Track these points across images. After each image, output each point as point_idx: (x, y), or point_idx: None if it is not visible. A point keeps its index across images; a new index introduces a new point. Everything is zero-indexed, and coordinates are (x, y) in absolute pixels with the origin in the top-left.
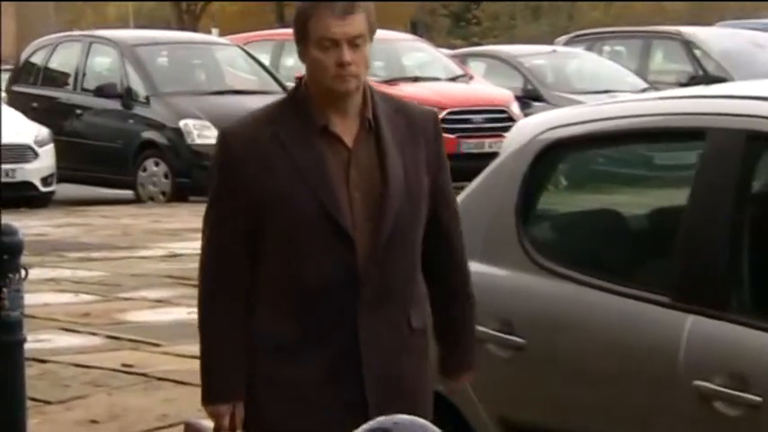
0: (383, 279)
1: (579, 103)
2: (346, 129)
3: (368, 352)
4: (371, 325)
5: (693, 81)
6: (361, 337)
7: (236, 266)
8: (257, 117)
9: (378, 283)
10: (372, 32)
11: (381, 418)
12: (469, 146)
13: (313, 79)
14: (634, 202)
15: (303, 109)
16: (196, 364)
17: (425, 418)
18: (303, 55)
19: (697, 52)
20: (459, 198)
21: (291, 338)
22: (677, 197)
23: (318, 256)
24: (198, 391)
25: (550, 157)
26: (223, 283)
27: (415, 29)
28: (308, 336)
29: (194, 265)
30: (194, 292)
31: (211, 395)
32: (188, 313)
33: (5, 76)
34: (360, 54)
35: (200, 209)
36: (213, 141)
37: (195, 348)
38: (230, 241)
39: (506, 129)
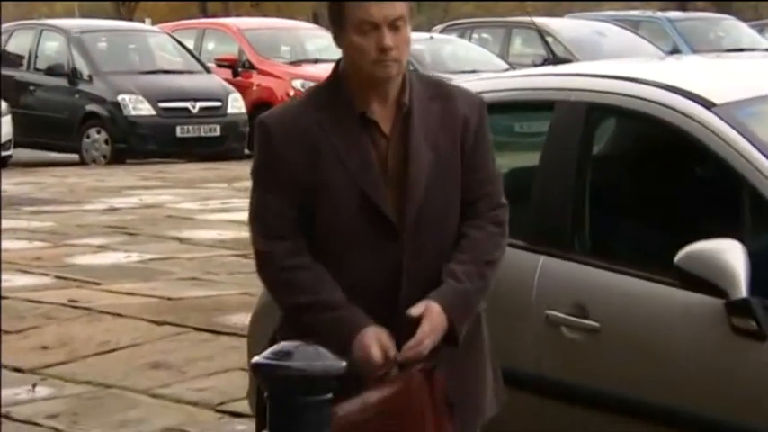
0: (422, 272)
1: (452, 80)
2: (384, 115)
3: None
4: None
5: (545, 63)
6: (404, 327)
7: (297, 243)
8: (296, 103)
9: (416, 276)
10: (412, 13)
11: (284, 343)
12: None
13: (352, 65)
14: (497, 164)
15: (342, 94)
16: (131, 299)
17: (484, 410)
18: (339, 39)
19: (549, 39)
20: None
21: None
22: (532, 159)
23: (362, 249)
24: (134, 322)
25: None
26: (289, 255)
27: (316, 19)
28: None
29: (130, 217)
30: (129, 239)
31: (345, 331)
32: (125, 257)
33: None
34: (401, 37)
35: (136, 170)
36: (146, 113)
37: (130, 286)
38: (281, 223)
39: None
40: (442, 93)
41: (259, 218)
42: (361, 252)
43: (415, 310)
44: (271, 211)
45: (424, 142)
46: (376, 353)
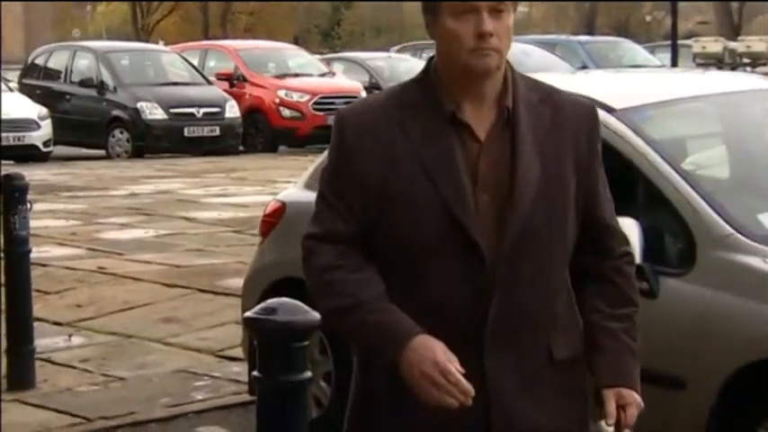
0: (513, 298)
1: None
2: (479, 118)
3: (495, 390)
4: (498, 356)
5: None
6: (488, 372)
7: (351, 248)
8: (379, 99)
9: (506, 302)
10: (516, 4)
11: (270, 300)
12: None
13: (446, 55)
14: None
15: (431, 93)
16: (148, 267)
17: None
18: (432, 27)
19: None
20: (324, 156)
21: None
22: None
23: (440, 267)
24: (150, 285)
25: None
26: (339, 260)
27: (296, 41)
28: None
29: (148, 201)
30: (147, 218)
31: (401, 338)
32: (143, 233)
33: (9, 73)
34: (502, 24)
35: (152, 163)
36: (159, 117)
37: (147, 256)
38: (336, 228)
39: None
40: (550, 96)
41: (316, 219)
42: (442, 270)
43: (609, 406)
44: (329, 216)
45: (531, 151)
46: (446, 357)
